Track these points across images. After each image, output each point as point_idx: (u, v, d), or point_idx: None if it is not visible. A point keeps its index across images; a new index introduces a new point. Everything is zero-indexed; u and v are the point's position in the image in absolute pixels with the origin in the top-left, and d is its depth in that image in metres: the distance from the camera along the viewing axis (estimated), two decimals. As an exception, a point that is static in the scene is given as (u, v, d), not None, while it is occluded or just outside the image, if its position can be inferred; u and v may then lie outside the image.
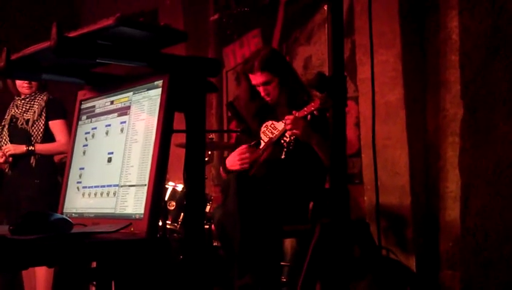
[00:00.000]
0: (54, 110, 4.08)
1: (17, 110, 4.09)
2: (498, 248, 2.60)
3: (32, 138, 4.01)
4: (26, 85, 4.05)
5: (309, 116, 2.99)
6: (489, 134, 2.58)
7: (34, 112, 4.04)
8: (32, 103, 4.06)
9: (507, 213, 2.59)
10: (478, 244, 2.66)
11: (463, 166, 2.71)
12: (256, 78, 3.21)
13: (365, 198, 3.80)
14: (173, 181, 3.88)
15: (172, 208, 3.78)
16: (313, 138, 3.05)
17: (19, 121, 4.06)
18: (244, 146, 3.20)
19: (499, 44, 2.61)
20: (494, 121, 2.57)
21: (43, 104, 4.05)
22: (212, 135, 4.20)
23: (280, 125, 3.19)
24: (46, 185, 3.99)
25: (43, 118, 4.04)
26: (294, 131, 3.02)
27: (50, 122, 4.06)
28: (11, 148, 3.98)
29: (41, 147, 4.02)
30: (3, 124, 4.13)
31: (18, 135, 4.05)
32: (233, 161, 3.19)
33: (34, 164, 3.99)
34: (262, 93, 3.23)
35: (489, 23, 2.59)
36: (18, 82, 4.07)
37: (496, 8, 2.57)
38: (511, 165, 2.52)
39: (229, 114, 5.02)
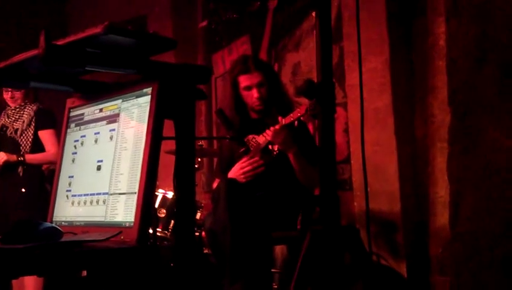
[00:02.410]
0: (43, 119, 4.08)
1: (7, 120, 4.09)
2: (488, 253, 2.61)
3: (21, 148, 4.01)
4: (8, 97, 4.04)
5: (296, 123, 2.99)
6: (477, 140, 2.60)
7: (23, 121, 4.04)
8: (22, 112, 4.07)
9: (496, 218, 2.62)
10: (468, 250, 2.68)
11: (452, 172, 2.72)
12: (252, 78, 3.20)
13: (355, 204, 3.80)
14: (163, 188, 3.87)
15: (163, 215, 3.77)
16: (292, 149, 3.05)
17: (8, 130, 4.05)
18: (244, 159, 3.17)
19: (486, 51, 2.63)
20: (482, 126, 2.59)
21: (32, 114, 4.05)
22: (201, 142, 4.20)
23: (261, 139, 3.18)
24: (33, 193, 3.97)
25: (31, 127, 4.04)
26: (276, 139, 3.02)
27: (39, 132, 4.05)
28: (4, 156, 3.96)
29: (31, 157, 4.01)
30: None
31: (7, 144, 4.04)
32: (237, 174, 3.15)
33: (21, 173, 3.98)
34: (256, 95, 3.19)
35: (476, 31, 2.61)
36: (4, 94, 4.06)
37: (483, 16, 2.59)
38: (500, 171, 2.55)
39: (218, 121, 5.02)
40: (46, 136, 4.06)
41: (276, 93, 3.26)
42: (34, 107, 4.08)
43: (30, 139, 4.03)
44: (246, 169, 3.10)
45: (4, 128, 4.08)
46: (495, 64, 2.59)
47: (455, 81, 2.75)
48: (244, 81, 3.21)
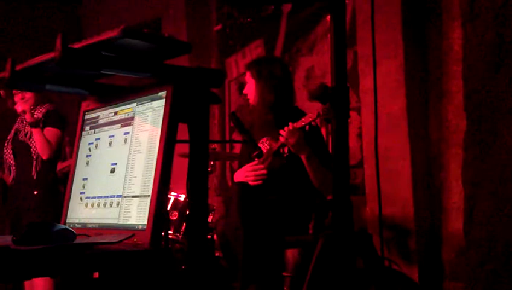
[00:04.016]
0: (50, 119, 4.03)
1: (20, 124, 4.10)
2: (503, 260, 2.59)
3: (31, 150, 4.01)
4: (19, 99, 3.99)
5: (307, 127, 2.98)
6: (493, 145, 2.58)
7: None
8: (39, 125, 4.05)
9: (509, 222, 2.59)
10: (482, 256, 2.65)
11: (466, 177, 2.70)
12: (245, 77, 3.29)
13: (368, 209, 3.79)
14: (175, 191, 3.88)
15: (175, 218, 3.77)
16: (304, 151, 3.04)
17: (20, 134, 4.06)
18: (252, 163, 3.18)
19: (502, 56, 2.61)
20: (498, 132, 2.56)
21: (41, 115, 4.03)
22: (214, 145, 4.21)
23: (274, 142, 3.18)
24: (46, 196, 3.98)
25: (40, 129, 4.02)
26: (289, 140, 3.01)
27: (45, 130, 4.00)
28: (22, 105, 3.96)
29: (39, 134, 3.95)
30: (8, 138, 4.13)
31: (20, 148, 4.05)
32: (242, 177, 3.17)
33: (35, 176, 3.98)
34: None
35: (492, 35, 2.59)
36: (14, 97, 4.03)
37: (499, 20, 2.57)
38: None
39: (231, 124, 5.03)
40: (49, 133, 4.00)
41: (271, 95, 3.25)
42: (44, 110, 4.07)
43: None
44: (249, 175, 3.11)
45: (17, 133, 4.10)
46: (510, 69, 2.57)
47: (471, 86, 2.72)
48: None
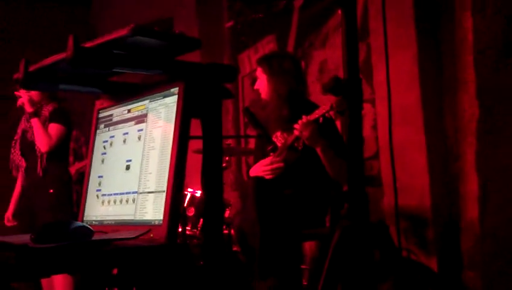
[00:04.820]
0: (55, 116, 4.01)
1: (27, 124, 4.07)
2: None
3: (36, 147, 4.01)
4: (26, 101, 3.93)
5: (321, 119, 2.98)
6: (506, 133, 2.56)
7: None
8: (38, 114, 4.04)
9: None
10: (498, 245, 2.64)
11: (480, 166, 2.69)
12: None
13: (385, 200, 3.78)
14: (192, 187, 3.90)
15: (192, 214, 3.79)
16: (319, 144, 3.04)
17: (28, 134, 4.06)
18: (268, 159, 3.19)
19: (512, 43, 2.60)
20: (511, 119, 2.55)
21: (47, 114, 4.04)
22: (229, 141, 4.22)
23: (288, 135, 3.18)
24: (60, 195, 3.99)
25: (45, 127, 3.98)
26: (303, 133, 3.01)
27: (49, 125, 3.99)
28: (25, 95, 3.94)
29: (37, 123, 3.93)
30: (15, 138, 4.14)
31: (28, 147, 4.06)
32: (259, 172, 3.18)
33: (41, 173, 3.98)
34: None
35: (502, 23, 2.58)
36: (20, 99, 4.02)
37: (509, 8, 2.56)
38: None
39: (246, 120, 5.03)
40: (53, 128, 3.98)
41: (284, 90, 3.26)
42: (50, 108, 4.06)
43: None
44: (266, 169, 3.11)
45: (25, 133, 4.09)
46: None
47: (482, 74, 2.71)
48: None
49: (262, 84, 3.28)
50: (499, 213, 2.62)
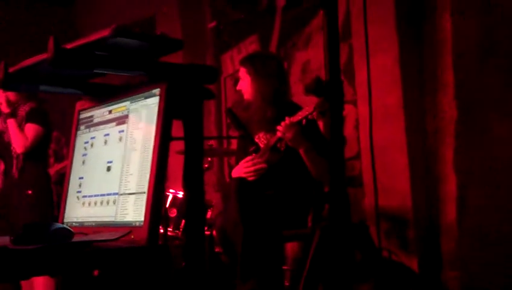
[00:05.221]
0: (32, 116, 3.97)
1: (4, 125, 4.01)
2: (496, 247, 2.61)
3: (11, 148, 3.97)
4: (3, 101, 3.92)
5: (304, 121, 2.99)
6: (484, 134, 2.60)
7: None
8: (16, 114, 3.98)
9: (504, 213, 2.61)
10: (476, 245, 2.67)
11: (458, 166, 2.72)
12: (238, 73, 3.32)
13: (366, 201, 3.80)
14: (174, 188, 3.89)
15: (174, 215, 3.78)
16: (302, 145, 3.05)
17: (5, 135, 4.01)
18: (248, 158, 3.19)
19: (492, 45, 2.62)
20: (489, 121, 2.58)
21: (24, 114, 3.99)
22: (211, 142, 4.21)
23: (271, 136, 3.19)
24: (39, 195, 3.95)
25: (22, 127, 3.95)
26: (286, 135, 3.02)
27: (26, 125, 3.94)
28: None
29: (13, 124, 3.90)
30: None
31: (5, 149, 4.02)
32: (241, 173, 3.18)
33: (16, 175, 3.95)
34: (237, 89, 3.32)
35: (481, 25, 2.61)
36: None
37: (487, 10, 2.59)
38: (506, 165, 2.54)
39: (228, 120, 5.03)
40: (28, 128, 3.93)
41: (268, 90, 3.26)
42: (27, 108, 4.01)
43: None
44: (248, 169, 3.11)
45: (2, 134, 4.04)
46: (500, 58, 2.58)
47: (461, 75, 2.75)
48: None
49: (246, 84, 3.28)
50: (476, 214, 2.65)
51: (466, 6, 2.66)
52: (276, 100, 3.26)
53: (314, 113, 2.97)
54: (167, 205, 3.79)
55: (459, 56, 2.71)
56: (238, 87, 3.32)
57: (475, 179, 2.65)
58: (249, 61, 3.30)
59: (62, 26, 6.46)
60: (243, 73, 3.29)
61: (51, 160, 4.87)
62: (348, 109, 4.00)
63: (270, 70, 3.28)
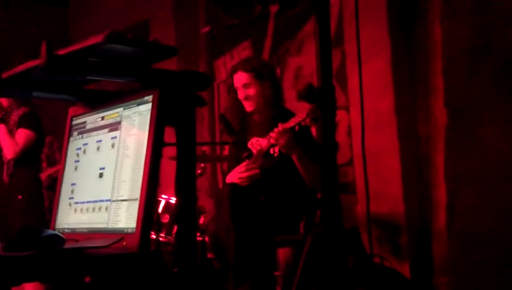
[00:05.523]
0: (24, 121, 3.97)
1: None
2: (483, 253, 2.62)
3: (2, 153, 3.95)
4: None
5: (297, 127, 3.00)
6: (474, 140, 2.61)
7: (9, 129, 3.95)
8: (8, 119, 3.98)
9: (492, 218, 2.62)
10: (465, 250, 2.68)
11: (448, 172, 2.73)
12: (238, 79, 3.26)
13: (358, 207, 3.81)
14: (166, 194, 3.88)
15: (166, 221, 3.77)
16: (295, 152, 3.06)
17: None
18: (243, 164, 3.20)
19: (481, 51, 2.64)
20: (479, 127, 2.60)
21: (17, 119, 3.98)
22: (204, 148, 4.21)
23: (264, 142, 3.19)
24: (30, 200, 3.94)
25: (14, 132, 3.95)
26: (279, 141, 3.03)
27: (17, 130, 3.94)
28: None
29: (3, 130, 3.89)
30: None
31: None
32: (235, 178, 3.18)
33: (7, 180, 3.93)
34: (241, 96, 3.25)
35: (471, 31, 2.62)
36: None
37: (477, 15, 2.60)
38: (495, 170, 2.55)
39: (221, 126, 5.04)
40: (19, 134, 3.92)
41: (271, 99, 3.28)
42: (20, 112, 4.00)
43: None
44: (242, 175, 3.12)
45: None
46: (490, 64, 2.60)
47: (451, 81, 2.76)
48: (234, 82, 3.28)
49: (254, 90, 3.26)
50: (465, 219, 2.66)
51: (457, 9, 2.67)
52: (276, 104, 3.29)
53: (307, 120, 2.98)
54: (160, 211, 3.78)
55: (450, 61, 2.73)
56: (248, 93, 3.27)
57: (463, 184, 2.66)
58: (256, 66, 3.31)
59: (62, 26, 6.45)
60: (250, 79, 3.26)
61: (44, 164, 4.86)
62: (340, 115, 4.01)
63: (272, 74, 3.32)
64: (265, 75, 3.30)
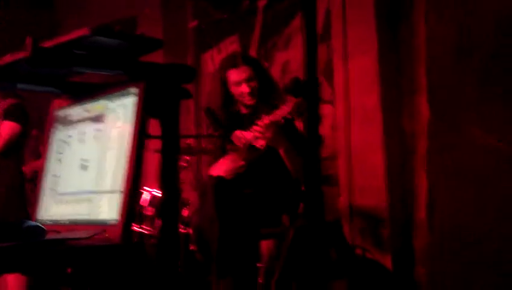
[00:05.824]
0: (10, 113, 3.95)
1: None
2: (461, 246, 2.66)
3: None
4: None
5: (282, 120, 3.00)
6: (456, 136, 2.64)
7: None
8: None
9: (469, 212, 2.66)
10: (443, 243, 2.72)
11: (429, 168, 2.76)
12: (240, 74, 3.24)
13: (341, 200, 3.83)
14: (152, 187, 3.88)
15: (150, 213, 3.77)
16: (282, 144, 3.07)
17: None
18: (228, 157, 3.21)
19: (466, 48, 2.66)
20: (462, 123, 2.63)
21: (1, 111, 3.95)
22: (189, 140, 4.21)
23: (249, 135, 3.19)
24: (12, 193, 3.92)
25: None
26: (266, 135, 3.03)
27: (3, 123, 3.92)
28: None
29: None
30: None
31: None
32: (221, 171, 3.18)
33: None
34: (246, 90, 3.23)
35: (455, 28, 2.65)
36: None
37: (462, 13, 2.63)
38: (478, 167, 2.58)
39: (208, 120, 5.03)
40: (5, 126, 3.90)
41: (267, 88, 3.30)
42: (5, 105, 3.96)
43: None
44: (226, 168, 3.13)
45: None
46: (474, 62, 2.63)
47: (434, 78, 2.79)
48: (233, 76, 3.25)
49: (256, 83, 3.27)
50: (444, 213, 2.70)
51: (441, 10, 2.70)
52: (259, 96, 3.31)
53: (293, 113, 2.99)
54: (146, 204, 3.78)
55: (433, 58, 2.75)
56: (252, 86, 3.27)
57: (444, 180, 2.70)
58: (254, 60, 3.36)
59: (43, 24, 6.42)
60: (252, 72, 3.26)
61: (28, 157, 4.83)
62: (326, 109, 4.03)
63: (265, 69, 3.39)
64: (261, 69, 3.35)
